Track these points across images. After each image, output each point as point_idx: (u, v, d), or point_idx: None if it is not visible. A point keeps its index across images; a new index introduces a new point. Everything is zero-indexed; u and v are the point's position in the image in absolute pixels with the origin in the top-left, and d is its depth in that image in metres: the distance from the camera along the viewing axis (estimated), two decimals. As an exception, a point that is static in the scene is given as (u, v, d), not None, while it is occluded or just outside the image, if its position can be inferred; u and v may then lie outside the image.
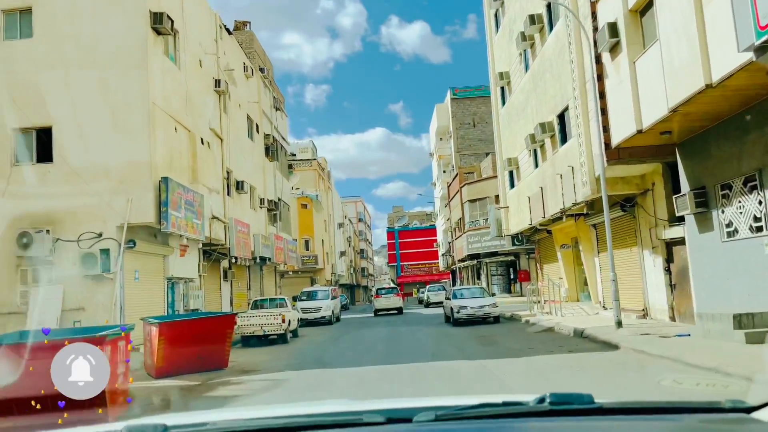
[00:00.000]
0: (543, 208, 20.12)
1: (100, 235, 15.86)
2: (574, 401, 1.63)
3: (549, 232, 22.95)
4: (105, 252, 15.53)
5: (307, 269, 46.02)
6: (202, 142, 20.42)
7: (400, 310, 34.90)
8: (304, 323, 27.94)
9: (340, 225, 69.74)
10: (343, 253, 68.98)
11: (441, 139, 59.82)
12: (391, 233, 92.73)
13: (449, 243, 54.69)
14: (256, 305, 21.11)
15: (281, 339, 18.68)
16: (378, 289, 38.38)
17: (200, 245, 20.51)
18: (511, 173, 25.43)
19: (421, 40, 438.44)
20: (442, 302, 44.86)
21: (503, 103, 25.93)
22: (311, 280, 46.86)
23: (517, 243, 26.26)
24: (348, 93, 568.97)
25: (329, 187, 62.02)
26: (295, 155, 57.52)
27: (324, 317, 28.13)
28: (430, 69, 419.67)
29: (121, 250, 15.81)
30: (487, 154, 50.33)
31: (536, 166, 21.28)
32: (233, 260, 25.25)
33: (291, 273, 44.17)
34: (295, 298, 30.67)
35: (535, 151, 21.29)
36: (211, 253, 22.43)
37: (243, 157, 26.35)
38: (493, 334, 17.27)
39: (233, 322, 12.36)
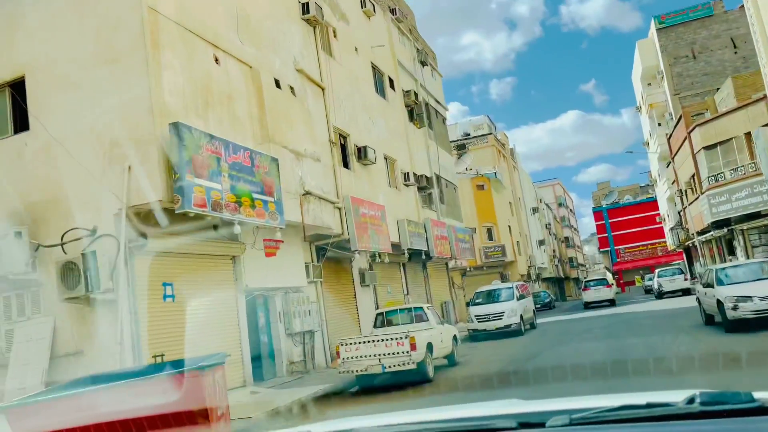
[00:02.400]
0: None
1: (94, 231, 9.83)
2: (729, 400, 1.42)
3: None
4: (92, 258, 9.39)
5: (494, 263, 37.75)
6: (279, 86, 13.75)
7: (612, 302, 32.39)
8: (483, 336, 20.08)
9: (534, 210, 60.04)
10: (541, 242, 59.16)
11: (649, 84, 47.30)
12: (598, 213, 79.56)
13: (679, 213, 42.18)
14: (383, 321, 13.68)
15: (419, 375, 11.07)
16: (586, 282, 37.14)
17: (307, 237, 13.82)
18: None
19: (605, 10, 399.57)
20: (680, 290, 33.44)
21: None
22: (501, 276, 38.45)
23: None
24: (534, 81, 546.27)
25: (514, 166, 52.98)
26: (469, 135, 49.82)
27: (509, 326, 19.86)
28: (621, 39, 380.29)
29: (120, 252, 9.57)
30: (718, 89, 37.40)
31: None
32: (375, 257, 18.40)
33: (471, 269, 36.38)
34: (468, 304, 22.89)
35: None
36: (325, 248, 15.69)
37: (369, 118, 19.40)
38: None
39: (203, 385, 5.05)
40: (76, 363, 9.66)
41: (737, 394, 1.44)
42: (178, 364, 6.30)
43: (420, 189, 22.96)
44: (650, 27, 44.38)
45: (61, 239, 9.80)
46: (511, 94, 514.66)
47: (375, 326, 13.54)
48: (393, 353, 10.70)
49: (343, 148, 17.25)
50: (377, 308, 19.11)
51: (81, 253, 9.33)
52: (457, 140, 46.81)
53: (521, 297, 21.57)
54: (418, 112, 24.38)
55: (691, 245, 42.37)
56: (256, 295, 13.44)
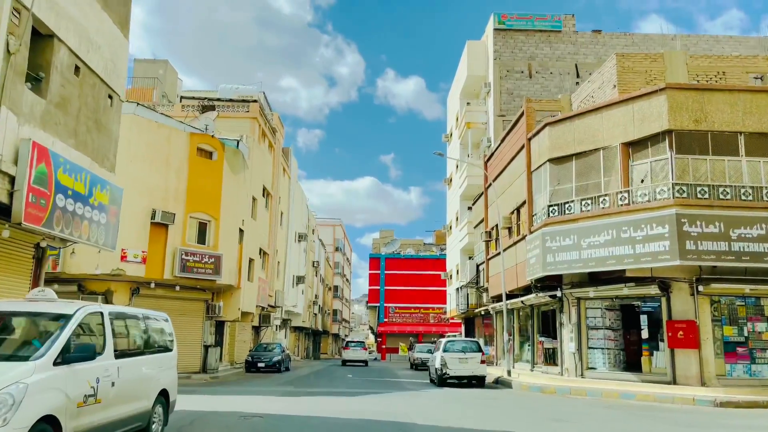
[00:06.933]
0: None
1: None
2: None
3: None
4: None
5: (198, 282, 22.31)
6: None
7: (366, 363, 38.79)
8: None
9: (301, 237, 46.44)
10: (300, 279, 45.45)
11: (469, 103, 37.38)
12: (375, 261, 68.68)
13: (478, 267, 31.47)
14: None
15: None
16: (348, 342, 40.77)
17: None
18: None
19: (415, 95, 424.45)
20: (474, 378, 21.06)
21: None
22: (207, 306, 23.19)
23: None
24: (340, 140, 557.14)
25: (285, 169, 39.04)
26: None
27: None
28: (424, 124, 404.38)
29: None
30: (553, 115, 28.07)
31: None
32: None
33: (153, 284, 20.79)
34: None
35: None
36: None
37: None
38: None
39: None
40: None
41: None
42: None
43: None
44: (488, 24, 34.68)
45: None
46: (317, 146, 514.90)
47: None
48: None
49: None
50: None
51: None
52: (205, 98, 31.65)
53: (86, 353, 6.55)
54: None
55: (482, 313, 31.79)
56: None
